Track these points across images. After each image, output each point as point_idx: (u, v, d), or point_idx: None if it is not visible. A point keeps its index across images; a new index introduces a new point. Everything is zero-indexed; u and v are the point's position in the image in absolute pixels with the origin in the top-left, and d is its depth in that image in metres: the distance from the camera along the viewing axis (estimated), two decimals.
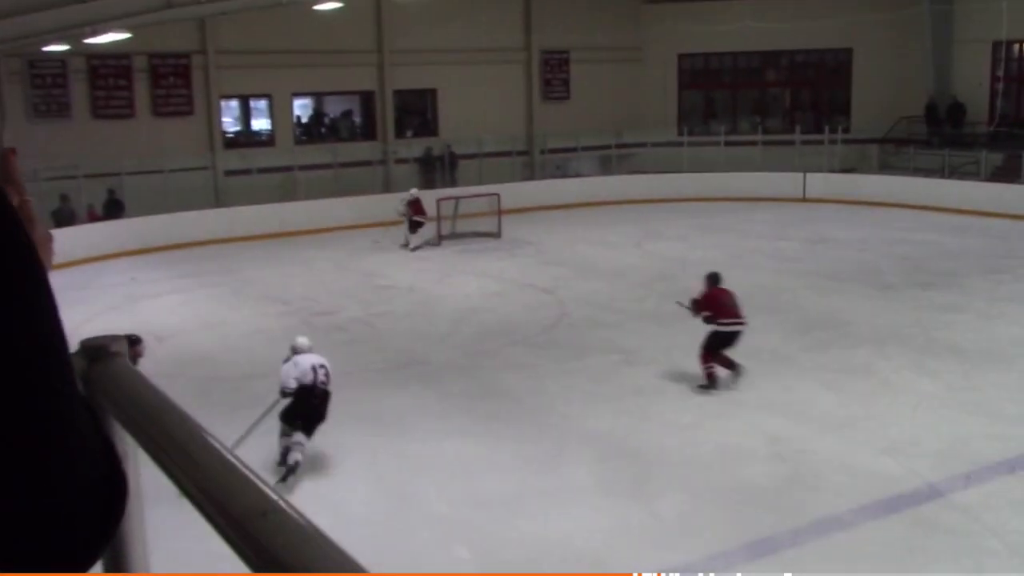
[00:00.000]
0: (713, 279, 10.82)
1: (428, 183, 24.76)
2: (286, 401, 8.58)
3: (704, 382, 10.51)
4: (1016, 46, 25.17)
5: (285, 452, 8.51)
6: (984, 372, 10.89)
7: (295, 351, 8.87)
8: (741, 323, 10.51)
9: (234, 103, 25.28)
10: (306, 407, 8.58)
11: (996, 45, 24.65)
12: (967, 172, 23.78)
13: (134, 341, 8.37)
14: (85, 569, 0.76)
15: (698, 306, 10.68)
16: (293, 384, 8.50)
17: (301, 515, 0.79)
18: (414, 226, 20.03)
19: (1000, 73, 24.87)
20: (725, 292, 10.71)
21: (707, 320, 10.49)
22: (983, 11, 23.96)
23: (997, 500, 7.72)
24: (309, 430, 8.59)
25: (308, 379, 8.54)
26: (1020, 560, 6.80)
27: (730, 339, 10.47)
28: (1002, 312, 13.54)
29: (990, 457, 8.50)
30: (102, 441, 0.82)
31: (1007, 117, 24.71)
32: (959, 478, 8.08)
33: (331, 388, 8.70)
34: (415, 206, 20.08)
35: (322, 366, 8.67)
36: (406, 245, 19.97)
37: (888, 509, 7.62)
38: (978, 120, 25.09)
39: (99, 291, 16.44)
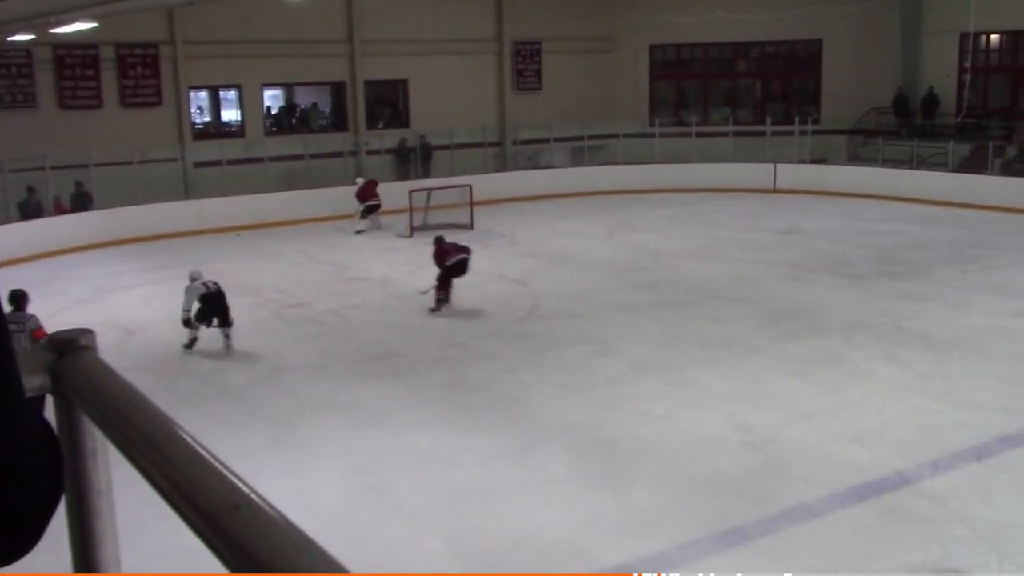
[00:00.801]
0: (438, 240, 14.43)
1: (402, 174, 24.73)
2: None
3: (433, 306, 13.72)
4: (983, 38, 25.45)
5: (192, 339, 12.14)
6: (952, 361, 11.02)
7: (191, 279, 12.14)
8: (464, 253, 14.03)
9: (203, 94, 25.09)
10: (212, 309, 11.98)
11: (964, 37, 24.92)
12: (935, 163, 24.02)
13: (20, 296, 9.17)
14: (35, 540, 0.83)
15: (439, 260, 13.93)
16: (193, 308, 11.94)
17: (274, 508, 0.78)
18: (368, 211, 20.65)
19: (967, 64, 25.14)
20: (448, 244, 14.25)
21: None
22: (951, 3, 24.23)
23: (964, 487, 7.82)
24: (224, 322, 12.07)
25: (202, 291, 11.89)
26: (987, 546, 6.90)
27: (462, 267, 13.99)
28: (969, 301, 13.70)
29: (957, 445, 8.61)
30: (42, 427, 0.92)
31: (974, 108, 24.99)
32: (927, 466, 8.17)
33: (222, 289, 12.16)
34: (364, 191, 20.48)
35: (214, 282, 12.16)
36: (362, 231, 20.58)
37: (858, 497, 7.70)
38: (946, 111, 25.35)
39: (67, 284, 16.29)
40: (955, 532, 7.09)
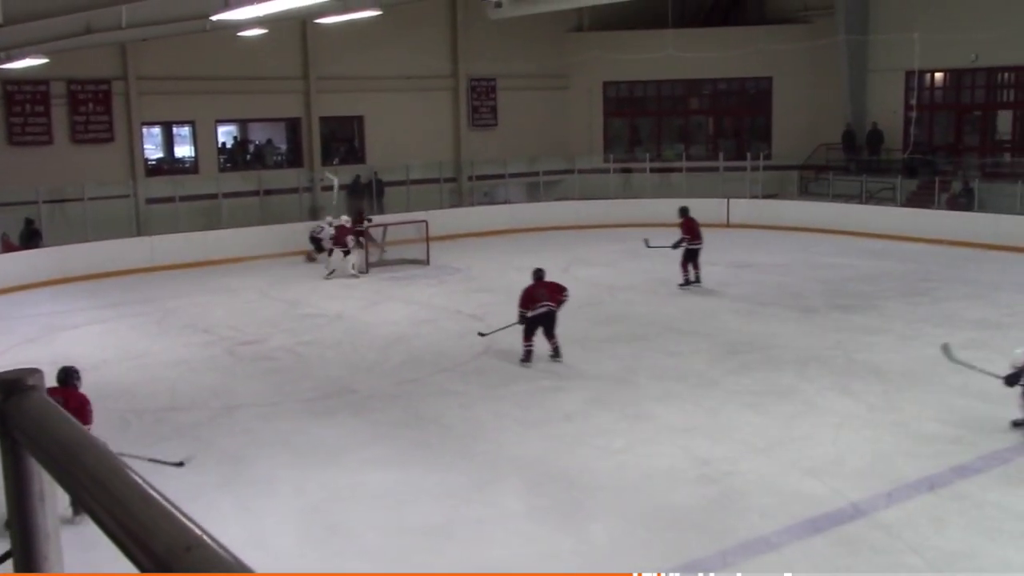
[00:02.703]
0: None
1: (356, 210, 24.64)
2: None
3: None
4: (928, 76, 26.09)
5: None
6: (903, 392, 11.16)
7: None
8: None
9: (156, 130, 24.90)
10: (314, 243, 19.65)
11: (909, 74, 25.53)
12: (884, 198, 24.49)
13: None
14: None
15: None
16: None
17: (226, 549, 0.77)
18: (332, 251, 20.06)
19: (913, 102, 25.73)
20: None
21: None
22: (896, 42, 24.82)
23: (917, 517, 7.90)
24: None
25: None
26: None
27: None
28: (920, 333, 13.91)
29: (910, 475, 8.70)
30: None
31: (921, 144, 25.55)
32: (881, 497, 8.25)
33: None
34: (341, 230, 20.11)
35: (321, 227, 19.63)
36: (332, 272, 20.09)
37: (813, 529, 7.74)
38: (893, 147, 25.90)
39: (16, 322, 15.99)
40: (909, 562, 7.15)
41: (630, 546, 7.56)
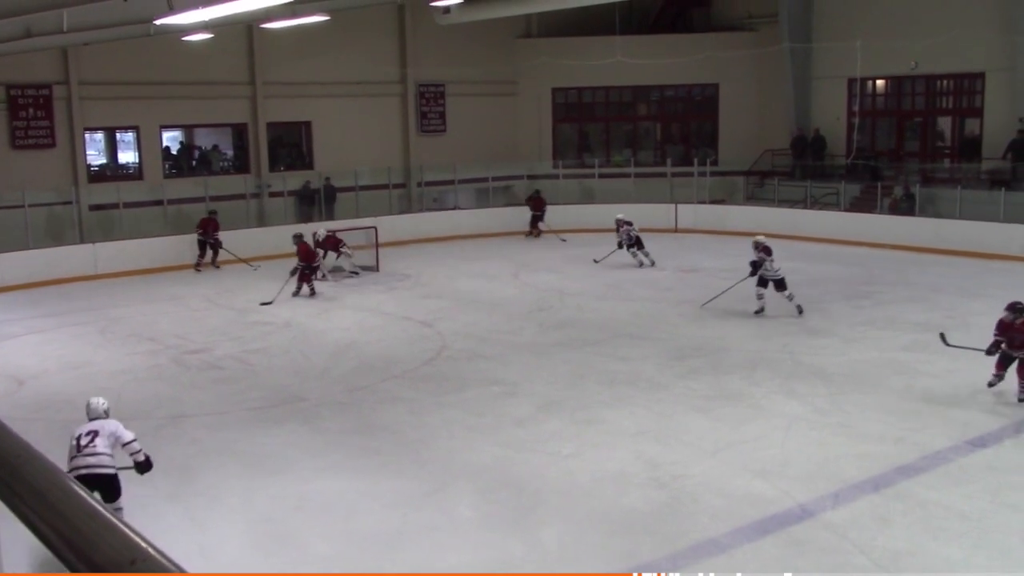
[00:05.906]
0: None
1: (306, 217, 24.48)
2: None
3: None
4: (869, 83, 26.59)
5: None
6: (848, 394, 11.33)
7: None
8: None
9: (99, 135, 24.51)
10: None
11: (851, 82, 26.02)
12: (828, 203, 24.89)
13: None
14: None
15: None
16: None
17: (171, 562, 0.76)
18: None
19: (855, 108, 26.21)
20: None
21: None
22: (839, 50, 25.29)
23: (863, 517, 8.01)
24: None
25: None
26: (886, 575, 7.08)
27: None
28: (863, 336, 14.15)
29: (856, 476, 8.83)
30: None
31: (863, 150, 26.03)
32: (828, 498, 8.36)
33: None
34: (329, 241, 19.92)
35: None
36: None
37: (762, 531, 7.82)
38: (837, 153, 26.35)
39: None
40: (856, 562, 7.26)
41: (581, 551, 7.58)
